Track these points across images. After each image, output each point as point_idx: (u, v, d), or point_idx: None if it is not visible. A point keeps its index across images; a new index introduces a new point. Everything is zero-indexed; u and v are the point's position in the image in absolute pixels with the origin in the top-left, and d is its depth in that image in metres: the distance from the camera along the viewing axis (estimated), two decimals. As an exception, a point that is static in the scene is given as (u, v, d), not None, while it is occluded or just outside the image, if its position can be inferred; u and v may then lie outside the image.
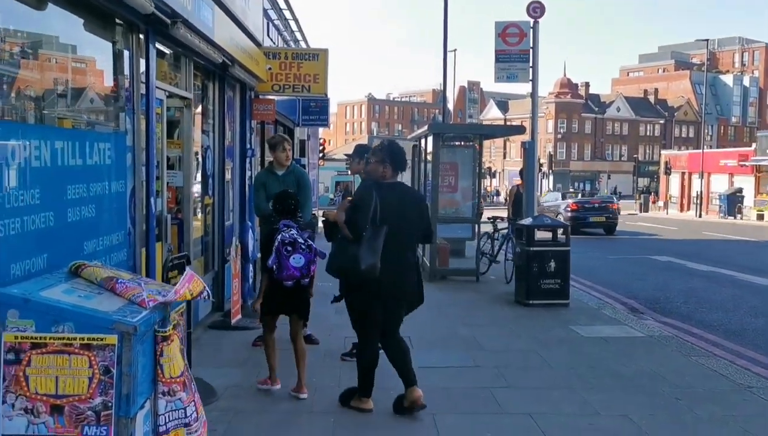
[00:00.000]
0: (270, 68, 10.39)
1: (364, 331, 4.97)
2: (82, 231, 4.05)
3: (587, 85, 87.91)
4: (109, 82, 5.16)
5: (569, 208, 25.13)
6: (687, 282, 12.48)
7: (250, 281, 8.65)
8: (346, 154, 29.56)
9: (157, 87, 5.86)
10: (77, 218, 3.99)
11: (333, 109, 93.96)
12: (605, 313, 8.94)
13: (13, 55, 3.83)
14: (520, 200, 11.64)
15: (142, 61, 5.40)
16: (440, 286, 10.87)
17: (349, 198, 5.31)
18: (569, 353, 6.77)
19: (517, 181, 12.20)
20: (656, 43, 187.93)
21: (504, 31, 12.81)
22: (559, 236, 9.71)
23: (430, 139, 11.83)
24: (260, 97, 10.74)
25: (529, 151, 11.85)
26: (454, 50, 37.06)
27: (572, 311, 8.95)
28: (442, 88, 25.44)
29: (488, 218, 12.81)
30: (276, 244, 5.04)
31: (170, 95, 6.61)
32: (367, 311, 4.89)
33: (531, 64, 12.52)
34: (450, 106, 34.07)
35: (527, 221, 9.93)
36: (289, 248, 5.03)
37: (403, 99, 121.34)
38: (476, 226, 11.83)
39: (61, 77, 4.51)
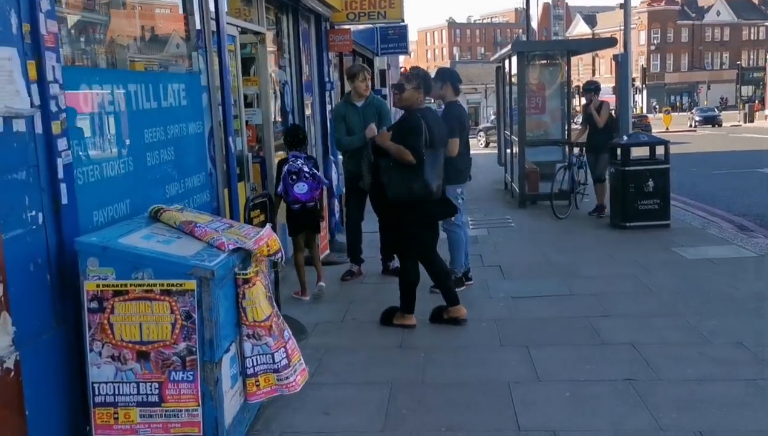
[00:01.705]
0: (344, -5, 10.05)
1: (413, 252, 5.20)
2: (162, 174, 4.03)
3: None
4: (179, 21, 5.04)
5: None
6: (801, 196, 11.57)
7: (337, 215, 8.61)
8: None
9: (228, 23, 5.71)
10: (156, 162, 3.96)
11: (413, 36, 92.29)
12: (711, 232, 8.38)
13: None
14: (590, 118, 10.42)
15: (211, -3, 5.24)
16: (530, 211, 10.52)
17: (384, 129, 5.59)
18: (673, 276, 6.36)
19: (598, 98, 10.35)
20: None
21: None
22: (657, 153, 9.09)
23: (514, 59, 11.24)
24: (336, 27, 10.45)
25: (622, 64, 11.04)
26: (537, -37, 35.16)
27: (674, 232, 8.43)
28: (525, 6, 24.23)
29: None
30: (283, 173, 5.69)
31: (243, 31, 6.46)
32: (421, 232, 5.13)
33: (622, -32, 11.55)
34: (534, 24, 32.47)
35: (622, 139, 9.34)
36: (294, 177, 5.64)
37: (485, 21, 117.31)
38: (566, 147, 11.24)
39: (133, 21, 4.43)
